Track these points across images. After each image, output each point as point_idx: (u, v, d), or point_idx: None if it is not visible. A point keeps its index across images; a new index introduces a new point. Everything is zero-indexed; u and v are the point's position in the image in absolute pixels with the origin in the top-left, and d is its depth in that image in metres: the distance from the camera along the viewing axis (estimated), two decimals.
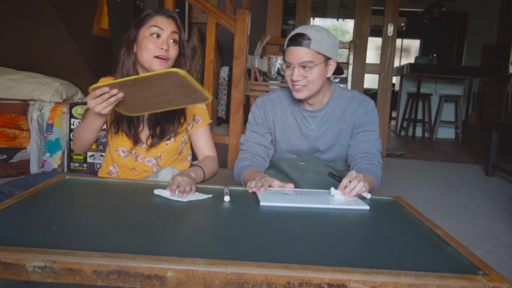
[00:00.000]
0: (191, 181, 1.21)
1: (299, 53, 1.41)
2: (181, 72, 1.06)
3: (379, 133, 1.57)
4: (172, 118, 1.51)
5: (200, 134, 1.58)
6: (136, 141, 1.50)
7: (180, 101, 1.23)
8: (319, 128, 1.55)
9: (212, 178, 1.53)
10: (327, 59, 1.44)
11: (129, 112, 1.30)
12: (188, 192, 1.15)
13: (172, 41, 1.42)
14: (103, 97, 1.17)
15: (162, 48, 1.39)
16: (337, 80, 6.58)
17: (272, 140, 1.62)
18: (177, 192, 1.16)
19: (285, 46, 1.47)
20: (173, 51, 1.43)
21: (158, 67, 1.40)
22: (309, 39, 1.40)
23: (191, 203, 1.13)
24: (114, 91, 1.16)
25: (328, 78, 1.51)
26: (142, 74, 1.14)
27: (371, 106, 1.54)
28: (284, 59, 1.47)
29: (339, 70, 1.54)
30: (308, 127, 1.56)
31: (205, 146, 1.58)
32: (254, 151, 1.57)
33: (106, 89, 1.15)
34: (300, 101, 1.56)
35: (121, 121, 1.48)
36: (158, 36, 1.40)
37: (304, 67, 1.42)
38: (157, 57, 1.40)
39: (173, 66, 1.46)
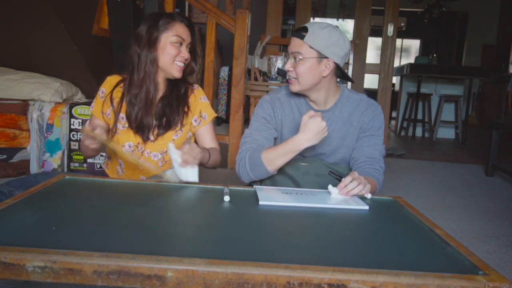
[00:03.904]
0: (198, 152, 1.34)
1: (293, 43, 1.44)
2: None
3: (384, 138, 1.57)
4: (177, 107, 1.56)
5: (206, 130, 1.64)
6: (145, 137, 1.54)
7: None
8: None
9: (212, 178, 1.53)
10: (321, 56, 1.41)
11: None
12: (190, 162, 1.31)
13: (188, 49, 1.53)
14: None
15: (182, 57, 1.50)
16: (337, 80, 6.57)
17: (276, 139, 1.60)
18: (168, 174, 1.31)
19: None
20: (189, 58, 1.54)
21: (176, 74, 1.51)
22: (306, 31, 1.41)
23: (191, 198, 1.13)
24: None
25: (328, 79, 1.48)
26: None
27: (378, 111, 1.55)
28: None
29: (345, 77, 1.54)
30: None
31: (210, 141, 1.64)
32: (261, 143, 1.51)
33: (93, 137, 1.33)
34: (306, 100, 1.55)
35: (130, 119, 1.53)
36: (180, 44, 1.50)
37: (295, 58, 1.43)
38: (176, 63, 1.49)
39: (185, 68, 1.56)
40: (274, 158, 1.39)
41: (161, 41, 1.48)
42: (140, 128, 1.53)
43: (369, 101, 1.56)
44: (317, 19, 9.10)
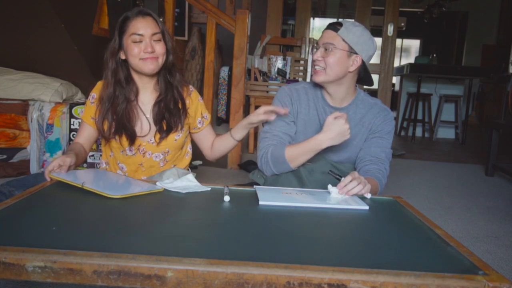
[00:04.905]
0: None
1: (326, 35, 1.49)
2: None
3: (391, 144, 1.59)
4: (178, 111, 1.54)
5: (210, 129, 1.67)
6: (133, 141, 1.51)
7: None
8: None
9: (212, 178, 1.54)
10: (351, 51, 1.47)
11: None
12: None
13: (155, 40, 1.45)
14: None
15: (147, 52, 1.43)
16: None
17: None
18: (175, 183, 1.24)
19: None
20: (160, 48, 1.46)
21: (149, 66, 1.45)
22: (340, 25, 1.47)
23: (191, 198, 1.13)
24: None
25: (352, 75, 1.52)
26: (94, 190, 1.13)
27: (390, 116, 1.59)
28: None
29: (367, 78, 1.56)
30: None
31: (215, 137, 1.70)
32: (281, 140, 1.53)
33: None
34: (323, 95, 1.58)
35: (118, 127, 1.49)
36: (140, 41, 1.43)
37: (326, 49, 1.47)
38: (143, 60, 1.44)
39: (165, 62, 1.50)
40: (297, 156, 1.45)
41: (124, 44, 1.46)
42: (119, 133, 1.49)
43: (382, 106, 1.60)
44: (317, 19, 9.11)
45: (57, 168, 1.23)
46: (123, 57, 1.48)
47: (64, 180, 1.17)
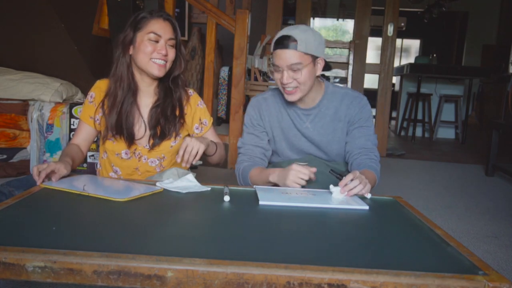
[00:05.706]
0: (199, 145, 1.33)
1: (286, 56, 1.41)
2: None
3: (374, 128, 1.59)
4: (174, 119, 1.52)
5: (210, 135, 1.62)
6: (131, 142, 1.50)
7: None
8: (313, 126, 1.57)
9: (212, 177, 1.53)
10: (314, 58, 1.45)
11: None
12: (193, 158, 1.31)
13: (169, 45, 1.46)
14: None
15: (160, 53, 1.43)
16: (337, 80, 6.56)
17: (269, 140, 1.62)
18: (175, 183, 1.23)
19: (271, 50, 1.48)
20: (171, 54, 1.47)
21: (155, 72, 1.44)
22: (295, 40, 1.40)
23: (191, 198, 1.13)
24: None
25: (318, 76, 1.53)
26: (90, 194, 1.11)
27: (364, 102, 1.57)
28: (272, 63, 1.48)
29: (326, 66, 1.54)
30: (303, 124, 1.58)
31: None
32: (252, 154, 1.58)
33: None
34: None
35: (119, 126, 1.48)
36: (156, 41, 1.43)
37: (293, 69, 1.42)
38: (154, 61, 1.43)
39: (170, 68, 1.50)
40: (256, 181, 1.48)
41: (136, 40, 1.44)
42: (120, 132, 1.48)
43: (354, 94, 1.59)
44: (317, 19, 9.11)
45: (47, 174, 1.20)
46: (130, 52, 1.47)
47: (61, 189, 1.15)
